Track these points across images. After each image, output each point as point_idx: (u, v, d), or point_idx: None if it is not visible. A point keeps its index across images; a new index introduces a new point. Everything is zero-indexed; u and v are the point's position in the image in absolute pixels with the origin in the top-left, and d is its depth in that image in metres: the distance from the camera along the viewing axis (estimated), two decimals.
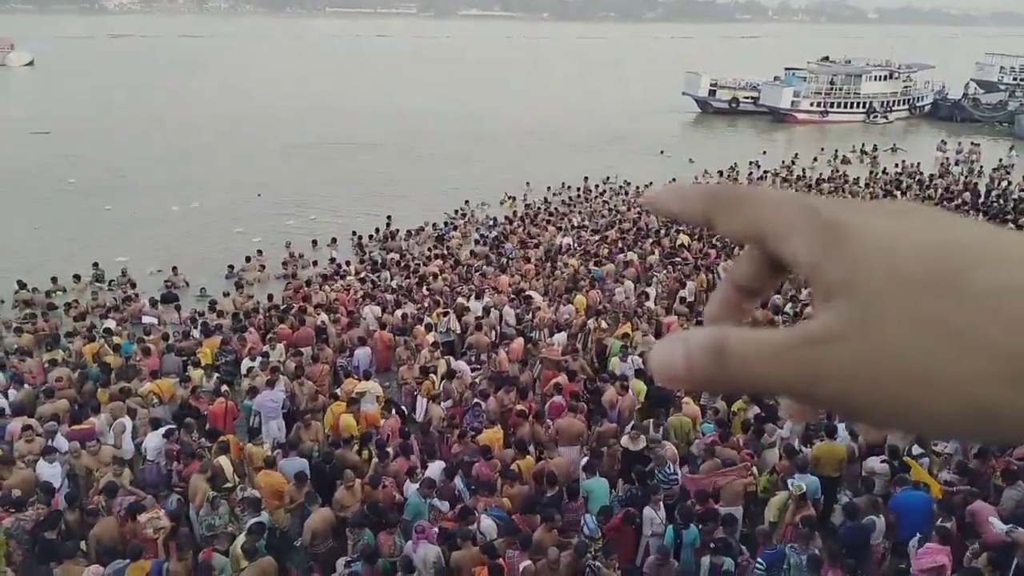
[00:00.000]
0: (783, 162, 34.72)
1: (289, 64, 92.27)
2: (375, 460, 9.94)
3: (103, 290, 19.39)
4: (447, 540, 8.17)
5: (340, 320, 15.40)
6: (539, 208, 27.03)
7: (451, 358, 13.64)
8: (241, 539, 8.18)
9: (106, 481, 9.20)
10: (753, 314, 0.63)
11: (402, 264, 20.74)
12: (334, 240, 23.83)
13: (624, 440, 10.27)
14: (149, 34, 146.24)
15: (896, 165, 33.85)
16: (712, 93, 57.10)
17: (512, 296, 16.74)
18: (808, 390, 0.47)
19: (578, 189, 30.33)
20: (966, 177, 32.18)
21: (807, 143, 42.37)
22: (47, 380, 12.68)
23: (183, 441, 10.25)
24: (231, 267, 21.03)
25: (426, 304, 16.67)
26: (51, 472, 9.69)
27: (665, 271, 18.45)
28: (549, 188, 30.19)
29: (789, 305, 15.69)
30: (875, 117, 53.97)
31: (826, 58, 59.07)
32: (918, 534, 8.07)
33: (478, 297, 16.32)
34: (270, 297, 17.94)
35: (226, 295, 18.00)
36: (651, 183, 29.40)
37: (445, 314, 15.48)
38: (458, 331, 15.12)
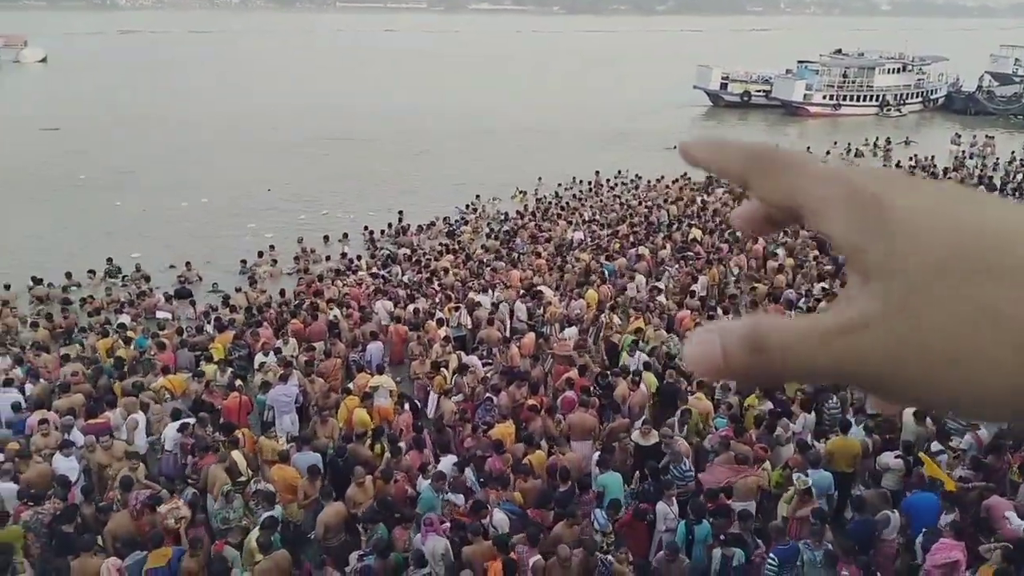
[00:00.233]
0: None
1: (294, 60, 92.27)
2: (387, 455, 9.98)
3: (117, 285, 19.54)
4: (459, 533, 8.21)
5: (352, 315, 15.44)
6: (550, 203, 27.00)
7: (462, 353, 13.69)
8: (255, 533, 8.24)
9: (122, 476, 9.28)
10: (773, 230, 0.61)
11: (413, 259, 20.79)
12: (346, 235, 23.88)
13: (635, 435, 10.26)
14: (158, 30, 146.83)
15: (910, 159, 33.62)
16: (724, 86, 56.80)
17: (523, 291, 16.76)
18: (849, 375, 0.47)
19: (589, 183, 30.27)
20: (980, 171, 31.91)
21: (819, 137, 42.13)
22: (61, 375, 12.79)
23: (197, 435, 10.32)
24: (244, 262, 21.14)
25: (437, 299, 16.70)
26: (67, 466, 9.77)
27: (677, 266, 18.42)
28: (560, 184, 30.13)
29: (803, 300, 15.63)
30: (888, 110, 53.56)
31: (839, 51, 58.64)
32: (923, 529, 8.08)
33: (484, 292, 16.35)
34: (282, 292, 18.02)
35: (239, 290, 18.09)
36: (662, 177, 29.34)
37: (456, 309, 15.51)
38: (469, 326, 15.14)
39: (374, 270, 20.01)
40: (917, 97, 55.75)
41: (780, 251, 18.91)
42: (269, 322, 15.35)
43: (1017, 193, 27.16)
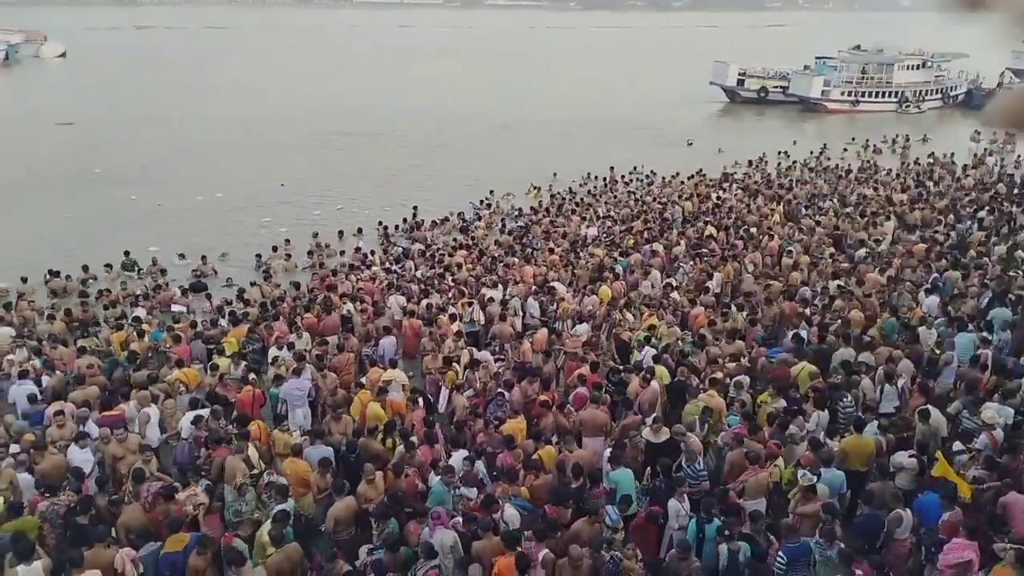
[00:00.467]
0: (812, 152, 34.27)
1: (309, 56, 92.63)
2: (399, 449, 9.99)
3: (133, 279, 19.68)
4: (470, 527, 8.22)
5: (366, 310, 15.49)
6: (564, 199, 26.95)
7: (475, 348, 13.70)
8: (267, 526, 8.28)
9: (134, 468, 9.35)
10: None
11: (427, 254, 20.81)
12: (360, 230, 23.94)
13: (646, 432, 10.22)
14: (175, 25, 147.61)
15: (929, 155, 33.27)
16: (740, 82, 56.47)
17: (536, 287, 16.74)
18: None
19: (604, 180, 30.17)
20: (1000, 168, 31.53)
21: (837, 133, 41.78)
22: (76, 367, 12.90)
23: (211, 427, 10.39)
24: (259, 256, 21.25)
25: (451, 294, 16.72)
26: (82, 458, 9.86)
27: (692, 262, 18.33)
28: (575, 180, 30.06)
29: (817, 298, 15.53)
30: (907, 107, 53.05)
31: (857, 47, 58.10)
32: (925, 526, 8.01)
33: (494, 287, 16.36)
34: (296, 286, 18.09)
35: (253, 284, 18.19)
36: (677, 173, 29.18)
37: (469, 304, 15.51)
38: (482, 321, 15.15)
39: (387, 265, 20.06)
40: (936, 94, 55.18)
41: (795, 248, 18.76)
42: (283, 316, 15.43)
43: None
